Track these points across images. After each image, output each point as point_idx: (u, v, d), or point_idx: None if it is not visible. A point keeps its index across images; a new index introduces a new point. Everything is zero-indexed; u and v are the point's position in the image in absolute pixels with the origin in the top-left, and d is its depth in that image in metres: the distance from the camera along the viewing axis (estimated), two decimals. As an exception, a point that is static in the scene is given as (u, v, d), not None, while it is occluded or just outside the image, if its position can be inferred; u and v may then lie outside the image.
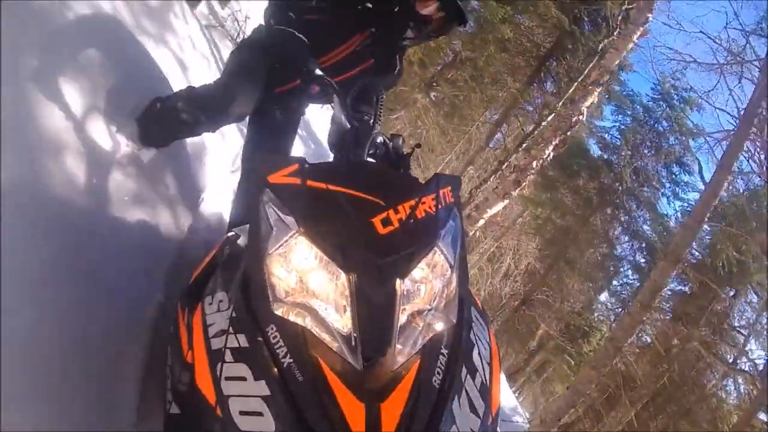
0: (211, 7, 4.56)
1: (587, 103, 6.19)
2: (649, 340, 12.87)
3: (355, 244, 1.18)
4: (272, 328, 1.14)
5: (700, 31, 9.62)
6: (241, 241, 1.43)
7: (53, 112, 1.62)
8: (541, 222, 15.65)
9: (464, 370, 1.21)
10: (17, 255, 1.29)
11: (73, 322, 1.39)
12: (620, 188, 14.05)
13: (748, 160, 9.88)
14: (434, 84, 14.39)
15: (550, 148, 6.07)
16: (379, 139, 1.63)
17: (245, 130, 2.28)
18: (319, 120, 5.90)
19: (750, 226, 10.36)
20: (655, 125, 13.91)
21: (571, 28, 12.16)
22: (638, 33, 6.53)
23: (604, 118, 15.18)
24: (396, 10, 1.78)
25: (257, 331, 1.14)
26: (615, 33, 6.96)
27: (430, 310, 1.23)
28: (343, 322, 1.14)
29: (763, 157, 8.82)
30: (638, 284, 13.93)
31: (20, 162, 1.42)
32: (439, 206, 1.31)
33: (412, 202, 1.28)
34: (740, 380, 11.23)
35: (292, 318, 1.15)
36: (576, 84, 10.36)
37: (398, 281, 1.16)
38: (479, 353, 1.29)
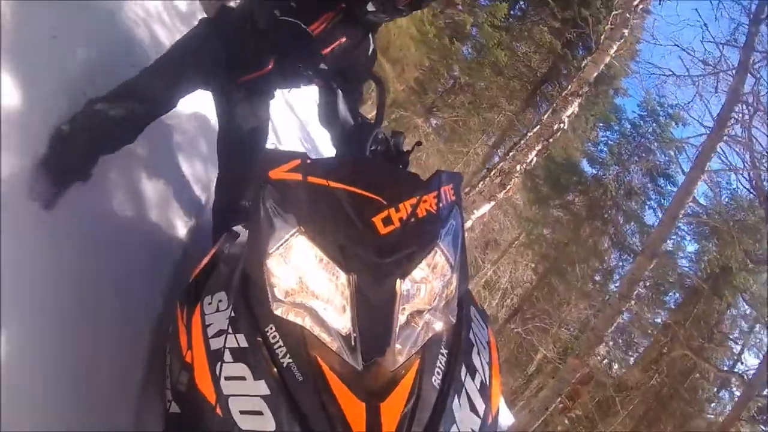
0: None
1: (568, 113, 6.44)
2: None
3: (355, 244, 1.14)
4: (271, 328, 1.10)
5: (674, 44, 9.59)
6: (241, 239, 1.37)
7: (52, 109, 1.52)
8: (533, 237, 15.55)
9: (464, 370, 1.17)
10: (16, 255, 1.24)
11: (73, 322, 1.33)
12: (609, 202, 14.04)
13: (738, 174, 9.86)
14: (434, 109, 14.54)
15: (533, 153, 6.30)
16: (380, 136, 1.58)
17: None
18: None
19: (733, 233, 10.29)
20: (641, 139, 13.95)
21: (563, 52, 12.28)
22: (614, 47, 6.83)
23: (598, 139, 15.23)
24: None
25: (256, 331, 1.10)
26: (596, 49, 7.28)
27: (430, 310, 1.18)
28: (342, 322, 1.10)
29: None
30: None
31: (19, 161, 1.37)
32: (441, 205, 1.26)
33: (414, 201, 1.23)
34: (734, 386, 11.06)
35: (291, 318, 1.11)
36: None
37: (398, 281, 1.12)
38: (479, 353, 1.24)
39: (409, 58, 11.93)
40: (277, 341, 1.07)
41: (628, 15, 6.76)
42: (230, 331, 1.10)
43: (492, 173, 6.46)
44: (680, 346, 10.89)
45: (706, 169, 7.32)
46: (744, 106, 7.84)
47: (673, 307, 14.13)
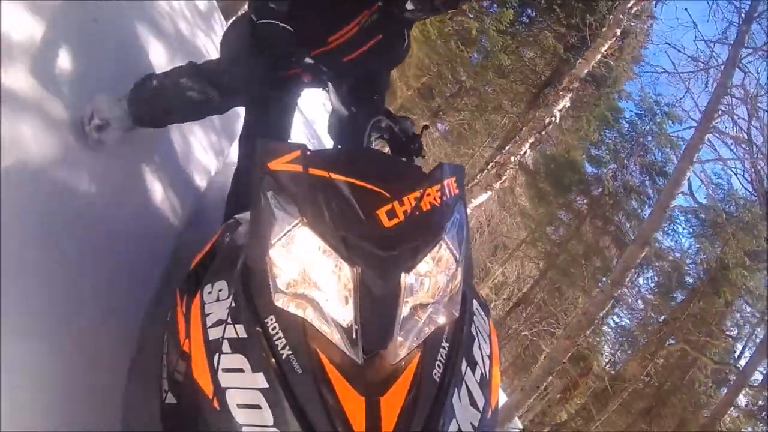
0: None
1: (559, 107, 6.51)
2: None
3: (359, 237, 1.08)
4: (271, 319, 1.04)
5: (666, 42, 9.62)
6: (242, 228, 1.31)
7: (48, 103, 1.49)
8: (537, 235, 15.37)
9: (464, 364, 1.10)
10: (15, 246, 1.18)
11: (74, 311, 1.27)
12: (609, 201, 13.84)
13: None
14: (440, 113, 14.48)
15: (527, 145, 6.39)
16: (383, 124, 1.50)
17: (242, 119, 2.09)
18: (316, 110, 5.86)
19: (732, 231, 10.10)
20: (639, 138, 13.74)
21: (567, 56, 12.11)
22: (606, 46, 6.96)
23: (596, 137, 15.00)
24: None
25: (256, 322, 1.04)
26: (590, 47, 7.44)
27: (433, 303, 1.12)
28: (344, 314, 1.04)
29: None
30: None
31: (17, 152, 1.31)
32: (445, 198, 1.21)
33: (417, 194, 1.17)
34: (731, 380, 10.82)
35: (292, 309, 1.05)
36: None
37: (403, 275, 1.06)
38: (479, 346, 1.17)
39: (415, 62, 11.85)
40: (277, 333, 1.01)
41: (621, 16, 6.89)
42: (230, 321, 1.04)
43: (489, 165, 6.54)
44: (680, 336, 10.74)
45: (694, 159, 7.40)
46: (731, 99, 7.92)
47: (672, 305, 13.90)
